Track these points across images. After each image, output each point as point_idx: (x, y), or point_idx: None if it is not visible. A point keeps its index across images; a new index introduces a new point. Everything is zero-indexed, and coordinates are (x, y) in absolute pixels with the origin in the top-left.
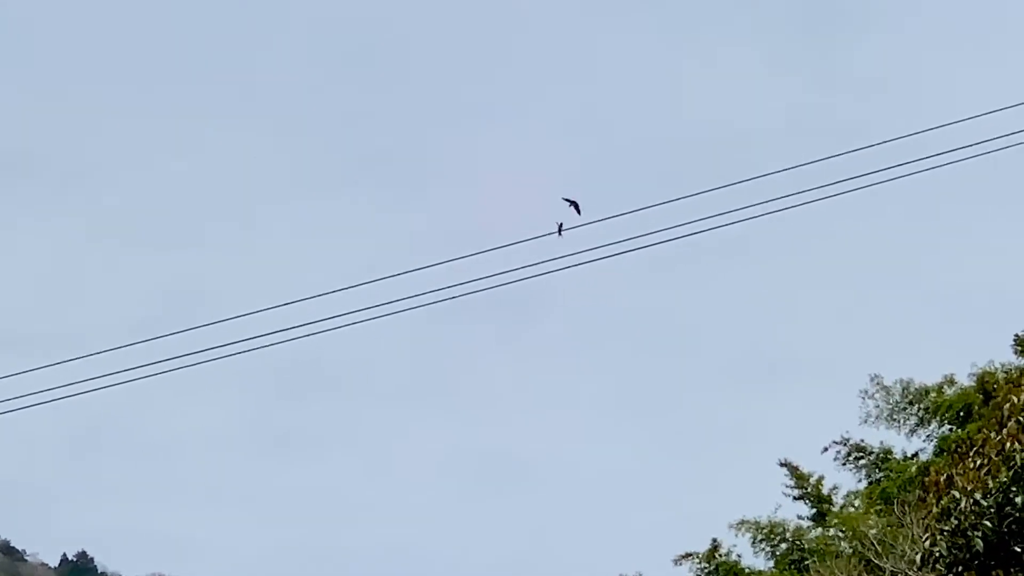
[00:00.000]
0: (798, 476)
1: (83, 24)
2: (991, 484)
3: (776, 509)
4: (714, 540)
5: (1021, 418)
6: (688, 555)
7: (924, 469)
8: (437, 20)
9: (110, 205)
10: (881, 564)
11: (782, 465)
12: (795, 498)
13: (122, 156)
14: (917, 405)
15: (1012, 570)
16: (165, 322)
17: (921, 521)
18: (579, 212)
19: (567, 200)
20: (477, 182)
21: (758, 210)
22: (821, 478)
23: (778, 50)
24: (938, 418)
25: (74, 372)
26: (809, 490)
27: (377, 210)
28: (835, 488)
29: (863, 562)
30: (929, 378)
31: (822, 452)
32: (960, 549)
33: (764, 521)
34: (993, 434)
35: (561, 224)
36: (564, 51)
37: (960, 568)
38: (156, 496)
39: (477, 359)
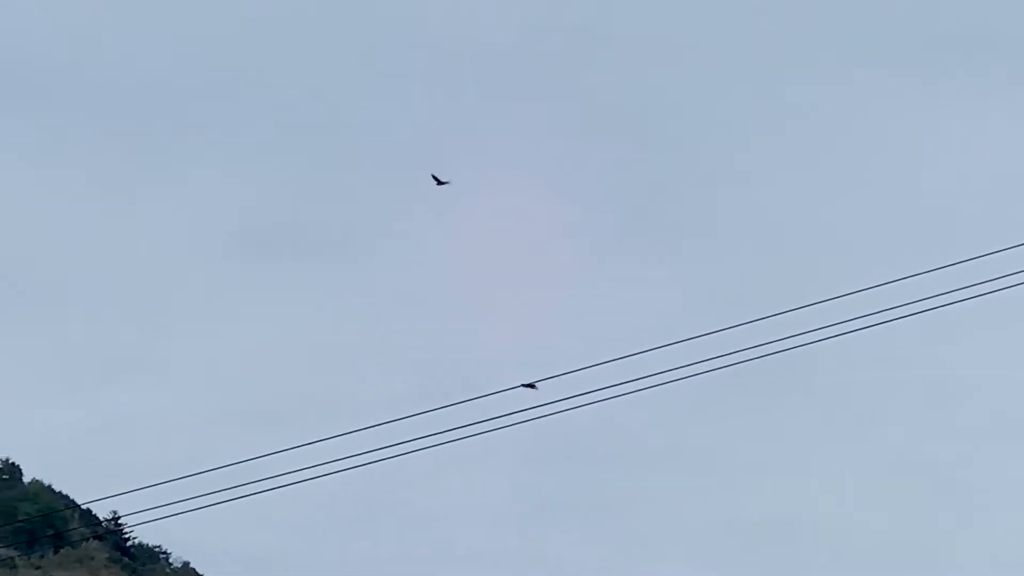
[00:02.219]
0: None
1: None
2: None
3: None
4: None
5: None
6: None
7: None
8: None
9: (380, 275)
10: None
11: None
12: None
13: (389, 224)
14: None
15: None
16: (434, 394)
17: None
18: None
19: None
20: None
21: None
22: None
23: None
24: None
25: (346, 446)
26: None
27: (635, 276)
28: None
29: None
30: None
31: None
32: None
33: None
34: None
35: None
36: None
37: None
38: (428, 570)
39: (740, 426)
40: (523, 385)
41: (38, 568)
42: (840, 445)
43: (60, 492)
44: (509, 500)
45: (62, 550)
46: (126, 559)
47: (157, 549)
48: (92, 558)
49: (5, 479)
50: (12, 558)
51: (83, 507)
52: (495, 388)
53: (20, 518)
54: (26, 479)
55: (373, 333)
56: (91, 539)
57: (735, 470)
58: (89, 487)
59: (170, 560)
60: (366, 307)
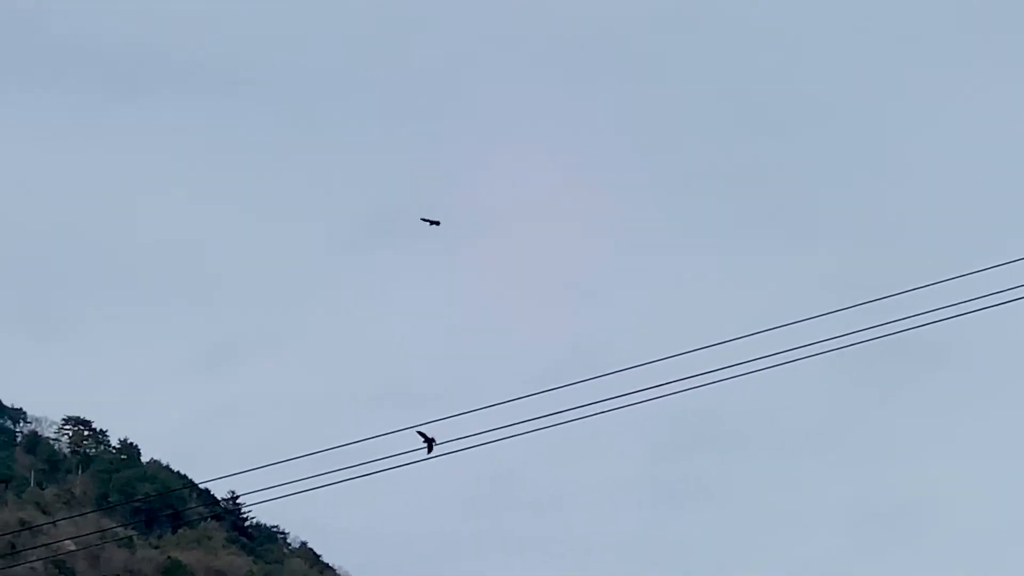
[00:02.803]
0: None
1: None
2: None
3: None
4: None
5: None
6: None
7: None
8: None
9: (510, 256)
10: None
11: None
12: None
13: (517, 205)
14: None
15: None
16: (567, 373)
17: None
18: None
19: None
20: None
21: None
22: None
23: None
24: None
25: (472, 425)
26: None
27: (774, 257)
28: None
29: None
30: None
31: None
32: None
33: None
34: None
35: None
36: None
37: None
38: (555, 549)
39: (875, 407)
40: (421, 436)
41: (156, 547)
42: (977, 426)
43: (178, 472)
44: (638, 482)
45: (180, 530)
46: (244, 539)
47: (275, 529)
48: (210, 538)
49: (123, 459)
50: (130, 537)
51: (201, 487)
52: (619, 366)
53: (138, 497)
54: (144, 459)
55: (504, 313)
56: (209, 519)
57: (866, 452)
58: (207, 467)
59: (288, 540)
60: (497, 288)
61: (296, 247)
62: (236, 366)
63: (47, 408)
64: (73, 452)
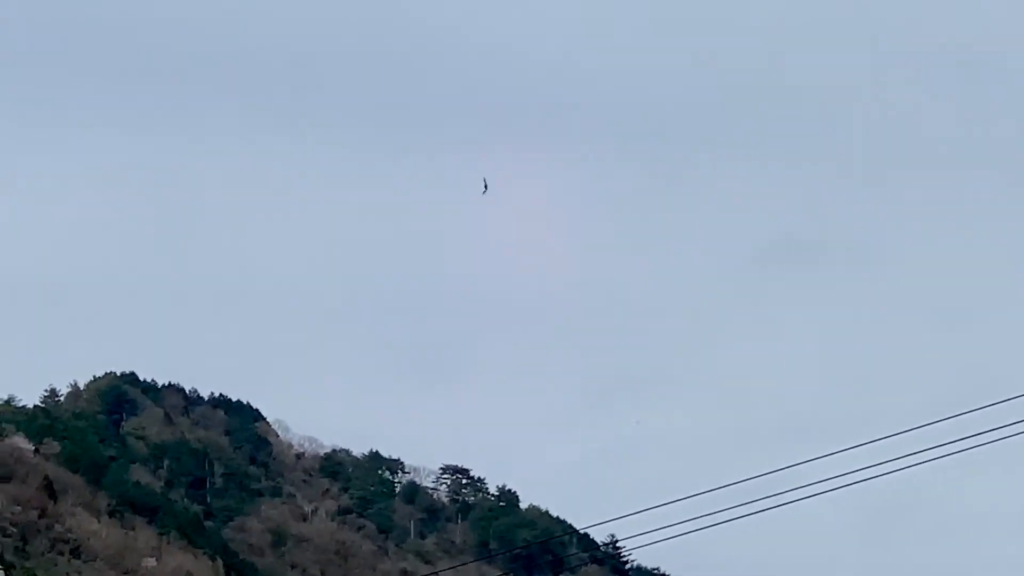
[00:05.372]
0: None
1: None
2: None
3: None
4: None
5: None
6: None
7: None
8: None
9: (895, 286)
10: None
11: None
12: None
13: (908, 236)
14: None
15: None
16: (959, 402)
17: None
18: None
19: None
20: None
21: None
22: None
23: None
24: None
25: (864, 457)
26: None
27: None
28: None
29: None
30: None
31: None
32: None
33: None
34: None
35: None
36: None
37: None
38: None
39: None
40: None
41: None
42: None
43: (558, 517)
44: None
45: (561, 575)
46: None
47: (656, 571)
48: None
49: (502, 506)
50: None
51: (581, 532)
52: (1008, 394)
53: (518, 545)
54: (523, 505)
55: (895, 341)
56: (590, 563)
57: None
58: (586, 511)
59: None
60: (887, 316)
61: (682, 280)
62: (614, 406)
63: (424, 458)
64: (452, 501)
